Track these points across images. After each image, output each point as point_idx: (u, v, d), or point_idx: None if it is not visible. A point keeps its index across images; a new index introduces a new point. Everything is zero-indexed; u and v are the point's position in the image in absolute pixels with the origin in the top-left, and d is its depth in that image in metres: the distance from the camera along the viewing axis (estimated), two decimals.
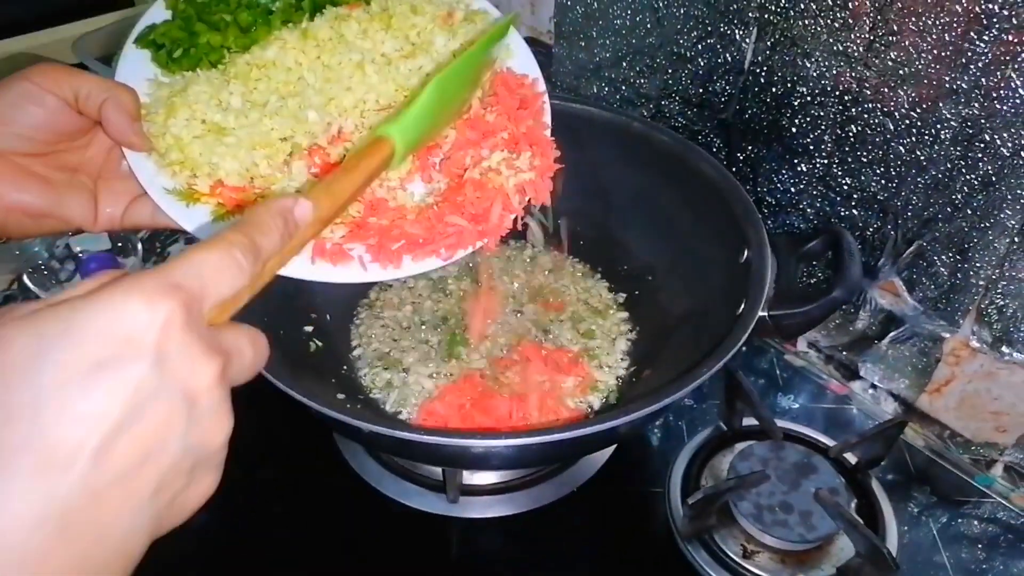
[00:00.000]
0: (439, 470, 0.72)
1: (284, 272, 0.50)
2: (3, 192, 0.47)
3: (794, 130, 0.78)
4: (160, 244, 1.00)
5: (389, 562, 0.68)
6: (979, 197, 0.67)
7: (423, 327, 0.80)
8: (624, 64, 0.90)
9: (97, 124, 0.49)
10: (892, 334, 0.79)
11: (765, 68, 0.77)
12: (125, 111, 0.48)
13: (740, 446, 0.73)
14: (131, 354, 0.26)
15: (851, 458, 0.73)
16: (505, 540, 0.70)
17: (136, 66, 0.55)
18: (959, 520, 0.72)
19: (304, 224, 0.36)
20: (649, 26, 0.85)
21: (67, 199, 0.49)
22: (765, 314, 0.60)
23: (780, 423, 0.72)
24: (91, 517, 0.25)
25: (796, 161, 0.79)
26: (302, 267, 0.50)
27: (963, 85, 0.64)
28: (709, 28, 0.80)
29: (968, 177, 0.67)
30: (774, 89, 0.77)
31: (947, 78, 0.64)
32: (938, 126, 0.67)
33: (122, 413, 0.26)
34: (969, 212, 0.68)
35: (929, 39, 0.64)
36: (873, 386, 0.83)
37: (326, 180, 0.39)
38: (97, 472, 0.25)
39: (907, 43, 0.65)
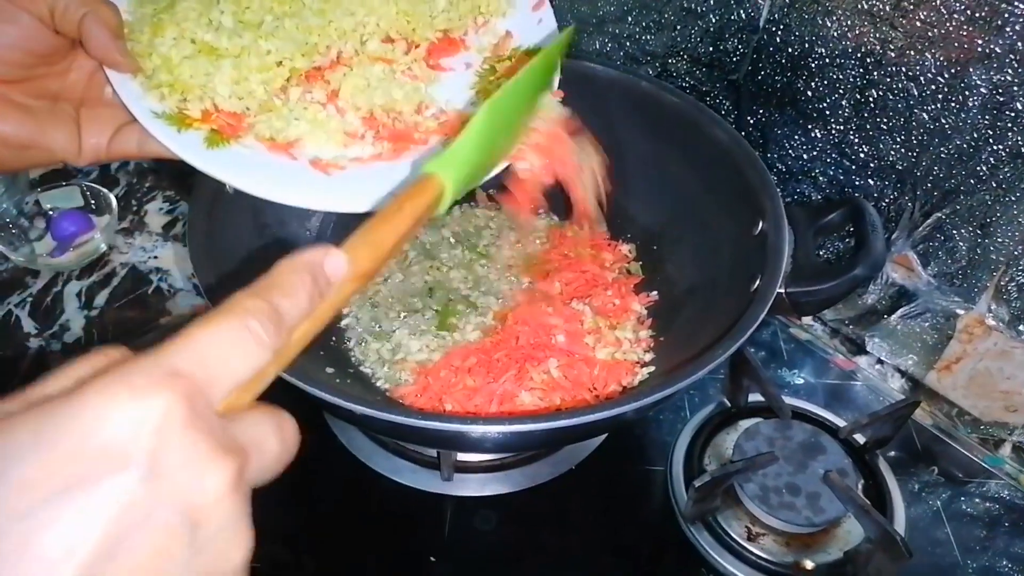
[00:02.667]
0: (431, 448, 0.69)
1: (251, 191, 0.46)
2: None
3: (810, 94, 0.73)
4: (137, 202, 0.95)
5: (381, 540, 0.65)
6: (1006, 169, 0.63)
7: (414, 298, 0.76)
8: (629, 19, 0.85)
9: (77, 44, 0.45)
10: (903, 309, 0.76)
11: (782, 26, 0.72)
12: (107, 27, 0.44)
13: (745, 424, 0.71)
14: (114, 467, 0.21)
15: (859, 438, 0.70)
16: (500, 519, 0.67)
17: None
18: (964, 499, 0.71)
19: (338, 281, 0.30)
20: None
21: (49, 129, 0.45)
22: (782, 291, 0.57)
23: (785, 400, 0.70)
24: None
25: (810, 127, 0.75)
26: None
27: (996, 49, 0.60)
28: None
29: (995, 148, 0.63)
30: (790, 49, 0.73)
31: (980, 41, 0.60)
32: (966, 92, 0.63)
33: (101, 545, 0.20)
34: (994, 184, 0.65)
35: None
36: (880, 362, 0.81)
37: (364, 229, 0.33)
38: None
39: (938, 2, 0.61)
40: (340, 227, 0.77)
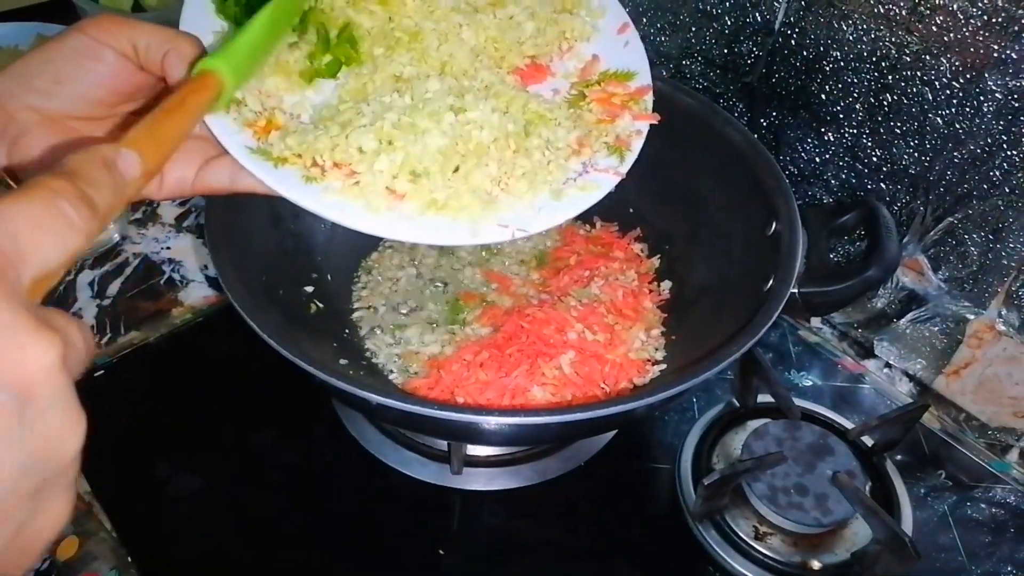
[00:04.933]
0: (442, 440, 0.69)
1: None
2: (51, 162, 0.41)
3: (824, 97, 0.74)
4: None
5: (389, 533, 0.66)
6: (1019, 175, 0.64)
7: (427, 291, 0.76)
8: (644, 20, 0.85)
9: (161, 81, 0.44)
10: (912, 313, 0.76)
11: (797, 29, 0.73)
12: (189, 64, 0.42)
13: (753, 424, 0.71)
14: None
15: (867, 440, 0.71)
16: (509, 513, 0.68)
17: (201, 14, 0.48)
18: (971, 504, 0.71)
19: (132, 178, 0.29)
20: None
21: None
22: (795, 291, 0.57)
23: (794, 401, 0.70)
24: None
25: (823, 130, 0.75)
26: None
27: (1012, 55, 0.60)
28: None
29: (1009, 153, 0.63)
30: (805, 52, 0.73)
31: (995, 46, 0.61)
32: (981, 98, 0.63)
33: None
34: (1007, 190, 0.65)
35: (980, 4, 0.60)
36: (888, 365, 0.81)
37: (146, 125, 0.32)
38: None
39: (955, 7, 0.62)
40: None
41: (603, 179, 0.52)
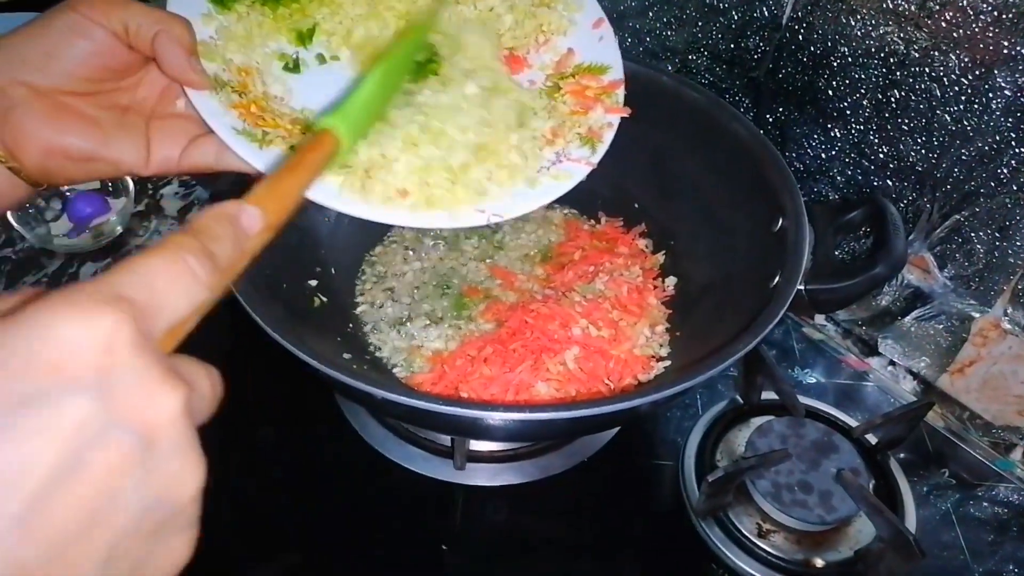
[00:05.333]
0: (445, 436, 0.69)
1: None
2: (42, 134, 0.42)
3: (830, 93, 0.73)
4: (153, 186, 0.95)
5: (394, 528, 0.65)
6: None
7: (431, 285, 0.76)
8: (651, 14, 0.85)
9: (150, 60, 0.45)
10: (917, 311, 0.76)
11: (804, 24, 0.72)
12: (180, 45, 0.43)
13: (757, 421, 0.71)
14: (65, 385, 0.20)
15: (871, 438, 0.70)
16: (512, 509, 0.68)
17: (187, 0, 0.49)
18: (974, 502, 0.71)
19: (254, 233, 0.30)
20: None
21: (116, 141, 0.45)
22: (801, 288, 0.57)
23: (798, 398, 0.70)
24: None
25: (830, 126, 0.75)
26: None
27: (1022, 51, 0.60)
28: None
29: (1018, 151, 0.63)
30: (812, 48, 0.73)
31: (1005, 43, 0.60)
32: (990, 95, 0.63)
33: (55, 464, 0.20)
34: (1014, 188, 0.64)
35: (989, 0, 0.60)
36: (892, 363, 0.81)
37: (269, 182, 0.34)
38: (25, 545, 0.20)
39: (964, 3, 0.61)
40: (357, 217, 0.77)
41: (575, 168, 0.54)
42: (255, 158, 0.45)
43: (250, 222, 0.30)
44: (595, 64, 0.59)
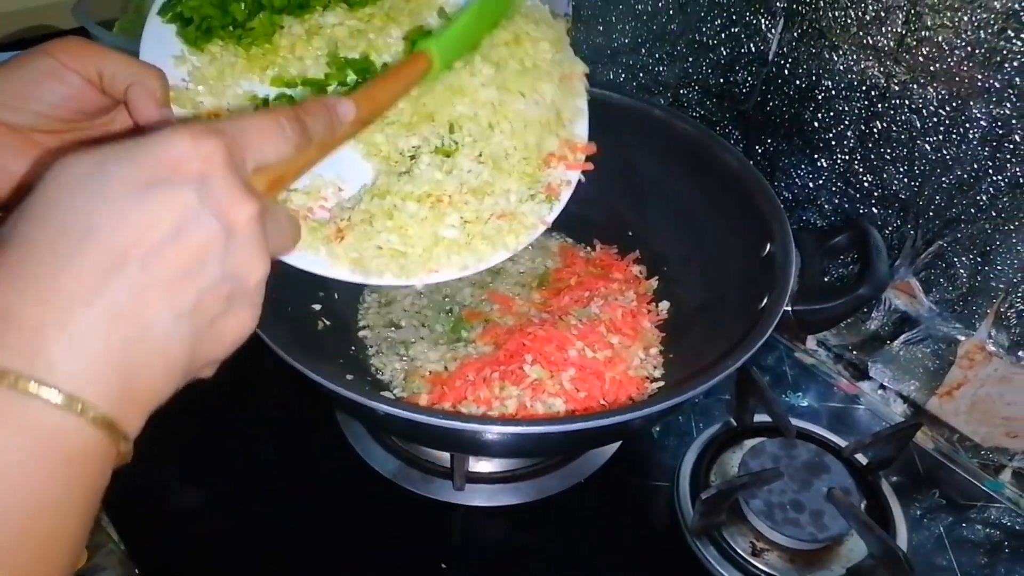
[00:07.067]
0: (445, 456, 0.70)
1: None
2: (13, 168, 0.43)
3: (816, 124, 0.76)
4: None
5: (392, 547, 0.66)
6: (1005, 199, 0.66)
7: (431, 310, 0.78)
8: (643, 51, 0.88)
9: (122, 103, 0.46)
10: (905, 335, 0.78)
11: (790, 60, 0.76)
12: (152, 98, 0.44)
13: (750, 442, 0.72)
14: (179, 177, 0.29)
15: (861, 458, 0.72)
16: (510, 529, 0.69)
17: (161, 36, 0.52)
18: (966, 524, 0.72)
19: (346, 121, 0.39)
20: (671, 12, 0.84)
21: None
22: (789, 309, 0.59)
23: (791, 421, 0.71)
24: (136, 311, 0.29)
25: (816, 156, 0.78)
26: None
27: (995, 84, 0.63)
28: (734, 16, 0.78)
29: (995, 178, 0.66)
30: (798, 82, 0.76)
31: (979, 76, 0.63)
32: (967, 125, 0.66)
33: (169, 227, 0.29)
34: (993, 214, 0.67)
35: (964, 36, 0.63)
36: (882, 387, 0.83)
37: (367, 86, 0.42)
38: (144, 274, 0.29)
39: (940, 39, 0.64)
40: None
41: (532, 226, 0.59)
42: None
43: (345, 111, 0.39)
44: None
